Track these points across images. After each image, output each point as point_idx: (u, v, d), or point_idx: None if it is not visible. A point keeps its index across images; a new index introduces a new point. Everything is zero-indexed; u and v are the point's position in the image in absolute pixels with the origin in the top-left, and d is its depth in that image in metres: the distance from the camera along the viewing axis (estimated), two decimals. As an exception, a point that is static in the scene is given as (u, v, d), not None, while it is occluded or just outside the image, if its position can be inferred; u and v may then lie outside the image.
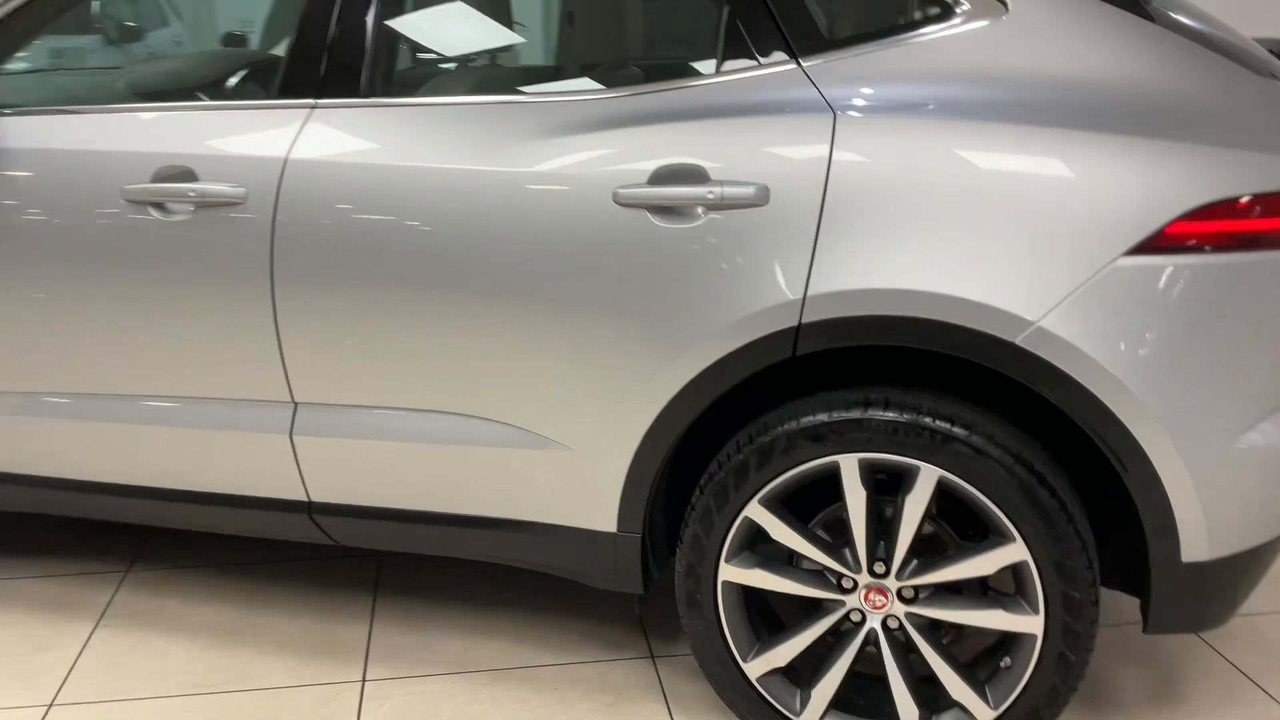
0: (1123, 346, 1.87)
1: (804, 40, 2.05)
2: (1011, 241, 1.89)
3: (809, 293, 1.95)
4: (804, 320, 1.96)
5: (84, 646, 2.62)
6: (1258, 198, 1.86)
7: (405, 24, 2.28)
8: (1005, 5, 2.00)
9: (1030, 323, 1.87)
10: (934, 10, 2.03)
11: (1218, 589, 2.03)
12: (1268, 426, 1.94)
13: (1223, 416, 1.92)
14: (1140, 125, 1.91)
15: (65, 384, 2.45)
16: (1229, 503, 1.95)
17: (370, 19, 2.24)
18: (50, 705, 2.41)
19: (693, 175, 2.00)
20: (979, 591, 2.11)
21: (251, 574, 2.93)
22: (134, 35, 5.58)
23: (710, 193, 1.98)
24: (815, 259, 1.95)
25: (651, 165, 2.02)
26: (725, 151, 2.00)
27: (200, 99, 2.71)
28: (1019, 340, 1.88)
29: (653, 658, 2.57)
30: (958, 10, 2.01)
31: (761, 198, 1.97)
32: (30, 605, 2.80)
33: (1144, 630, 2.08)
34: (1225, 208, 1.86)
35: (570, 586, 2.38)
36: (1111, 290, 1.86)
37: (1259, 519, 1.99)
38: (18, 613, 2.76)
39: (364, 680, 2.50)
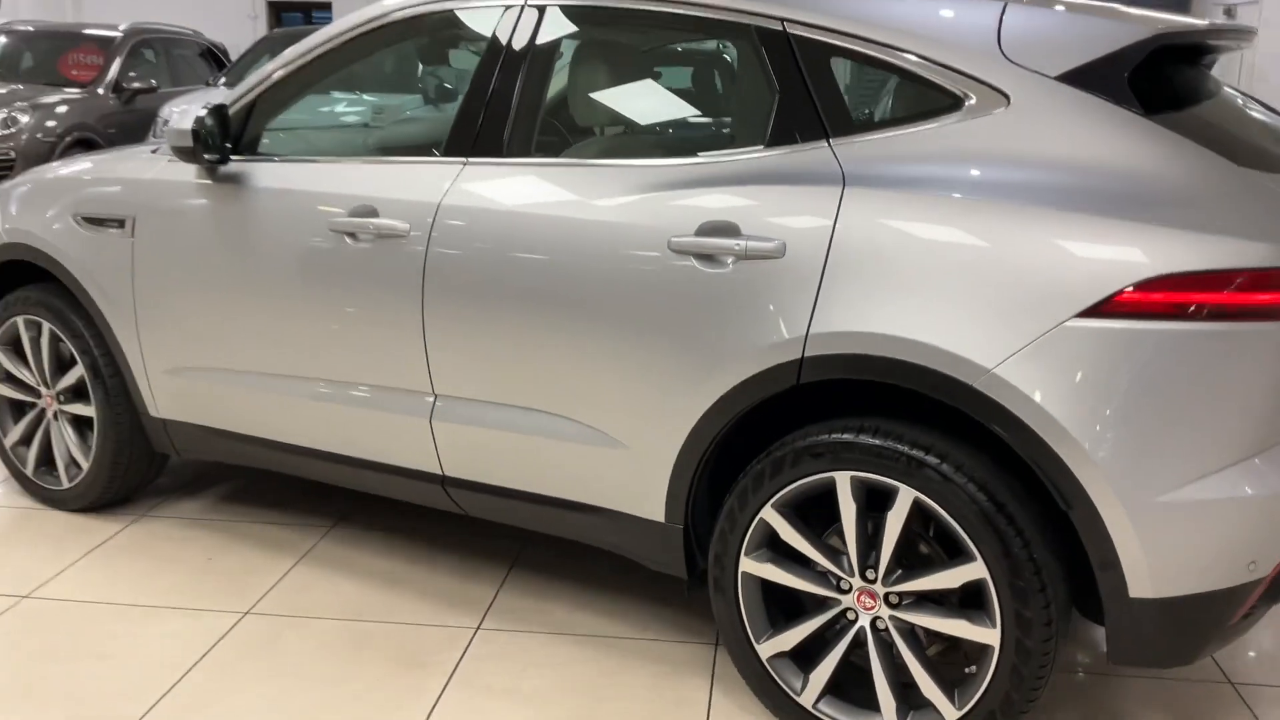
0: (1070, 397, 2.14)
1: (837, 125, 2.46)
2: (979, 299, 2.21)
3: (810, 331, 2.35)
4: (806, 354, 2.36)
5: (283, 576, 3.35)
6: (1205, 274, 2.09)
7: (537, 103, 2.87)
8: (1007, 100, 2.33)
9: (986, 369, 2.19)
10: (946, 102, 2.38)
11: (1170, 628, 2.23)
12: (1210, 483, 2.14)
13: (1164, 469, 2.14)
14: (1107, 206, 2.19)
15: (279, 367, 3.19)
16: (1171, 548, 2.16)
17: (514, 98, 2.85)
18: (246, 613, 3.13)
19: (728, 230, 2.45)
20: (954, 603, 2.39)
21: (421, 539, 3.57)
22: (450, 96, 6.58)
23: (738, 245, 2.42)
24: (817, 304, 2.35)
25: (699, 220, 2.49)
26: (758, 212, 2.44)
27: (412, 155, 3.39)
28: (976, 384, 2.20)
29: (715, 644, 2.98)
30: (965, 104, 2.36)
31: (779, 251, 2.39)
32: (253, 541, 3.57)
33: (1108, 659, 2.31)
34: (1175, 281, 2.10)
35: (669, 578, 2.82)
36: (1062, 347, 2.15)
37: (1206, 566, 2.18)
38: (243, 545, 3.54)
39: (478, 628, 3.06)
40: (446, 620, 3.11)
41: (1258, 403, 2.15)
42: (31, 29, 10.89)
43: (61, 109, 9.24)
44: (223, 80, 10.35)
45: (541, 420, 2.78)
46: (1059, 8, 2.54)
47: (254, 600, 3.20)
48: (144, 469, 3.76)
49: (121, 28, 10.34)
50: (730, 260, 2.45)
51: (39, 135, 8.82)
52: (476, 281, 2.79)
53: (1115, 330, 2.13)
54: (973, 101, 2.36)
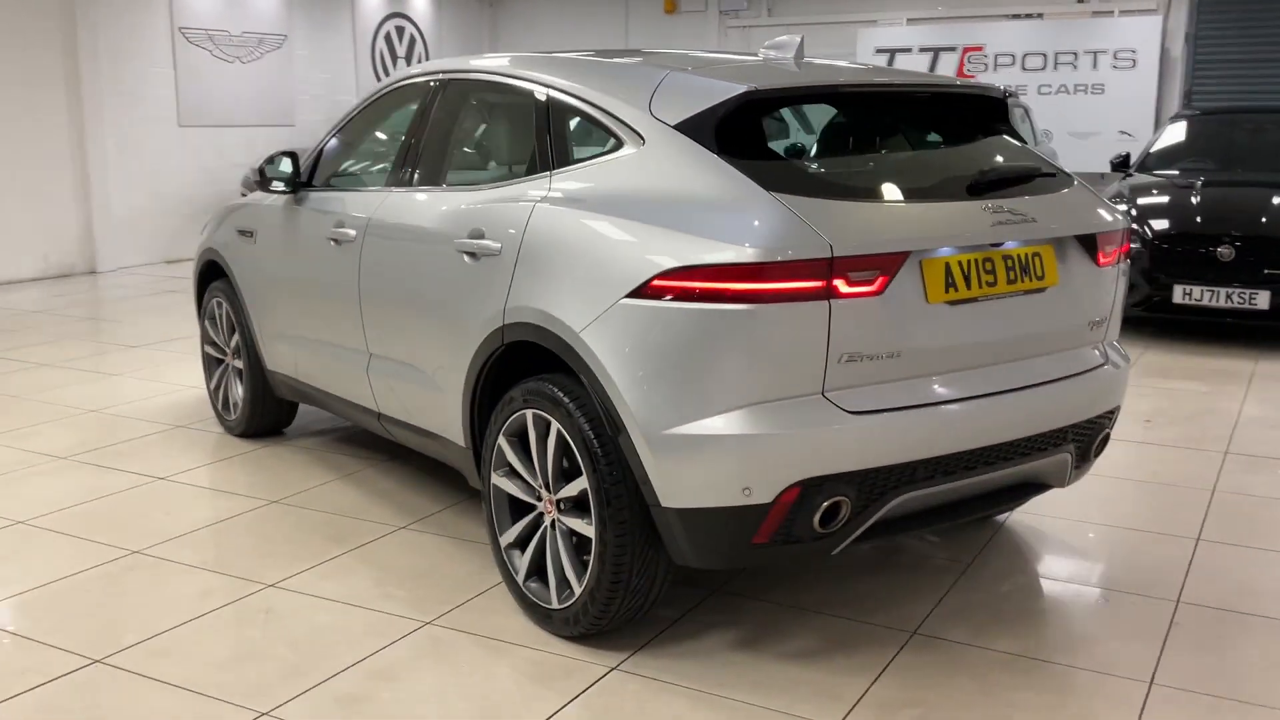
0: (617, 353, 2.97)
1: (558, 161, 3.42)
2: (581, 282, 3.09)
3: (506, 307, 3.32)
4: (505, 323, 3.33)
5: (321, 484, 4.71)
6: (703, 268, 2.83)
7: (424, 149, 4.04)
8: (644, 141, 3.17)
9: (576, 332, 3.05)
10: (615, 143, 3.26)
11: (696, 535, 2.94)
12: (707, 423, 2.85)
13: (673, 410, 2.89)
14: (667, 217, 2.98)
15: (304, 332, 4.58)
16: (679, 469, 2.89)
17: (418, 146, 4.05)
18: (273, 501, 4.52)
19: (479, 234, 3.48)
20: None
21: (425, 476, 4.79)
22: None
23: (480, 244, 3.45)
24: (511, 288, 3.32)
25: (469, 228, 3.54)
26: (495, 222, 3.45)
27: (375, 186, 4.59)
28: (571, 342, 3.07)
29: (544, 555, 3.92)
30: (624, 144, 3.23)
31: (499, 250, 3.39)
32: (325, 464, 4.98)
33: (673, 561, 3.05)
34: (682, 272, 2.86)
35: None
36: (616, 317, 2.97)
37: (706, 486, 2.88)
38: (318, 465, 4.96)
39: (401, 528, 4.22)
40: (387, 521, 4.30)
41: (744, 366, 2.83)
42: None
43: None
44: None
45: (410, 371, 3.93)
46: (698, 74, 3.31)
47: (286, 495, 4.59)
48: (275, 410, 5.30)
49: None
50: (479, 256, 3.48)
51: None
52: (379, 272, 4.00)
53: (647, 307, 2.91)
54: (626, 143, 3.23)
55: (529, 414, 3.31)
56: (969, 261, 3.06)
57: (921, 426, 2.99)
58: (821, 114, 3.65)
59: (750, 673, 3.12)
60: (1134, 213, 7.93)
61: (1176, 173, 8.64)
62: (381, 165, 4.49)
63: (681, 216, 2.97)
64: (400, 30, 15.15)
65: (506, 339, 3.35)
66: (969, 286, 3.06)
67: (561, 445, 3.22)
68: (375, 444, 5.23)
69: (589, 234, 3.13)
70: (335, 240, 4.29)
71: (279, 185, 4.65)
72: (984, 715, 2.91)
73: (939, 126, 3.49)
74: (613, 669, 3.14)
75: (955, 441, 3.05)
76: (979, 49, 13.33)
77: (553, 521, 3.32)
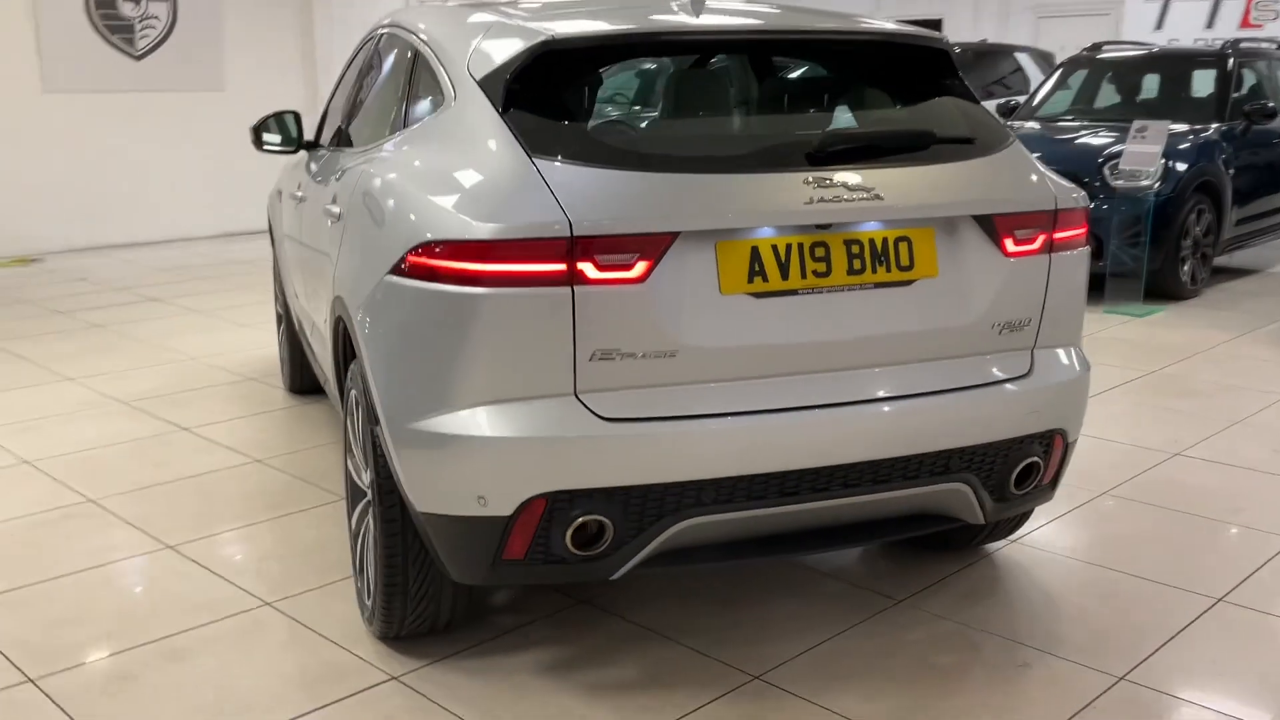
0: (375, 335, 2.70)
1: (409, 121, 3.16)
2: (366, 254, 2.84)
3: (335, 276, 3.11)
4: (333, 295, 3.12)
5: (313, 447, 4.70)
6: (446, 244, 2.49)
7: (350, 116, 3.85)
8: (455, 99, 2.85)
9: (350, 311, 2.80)
10: (441, 102, 2.95)
11: (446, 545, 2.62)
12: (444, 419, 2.51)
13: (414, 402, 2.58)
14: (441, 184, 2.66)
15: (294, 286, 4.56)
16: (418, 470, 2.59)
17: (349, 113, 3.89)
18: (256, 460, 4.55)
19: (334, 200, 3.28)
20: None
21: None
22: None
23: (332, 211, 3.25)
24: (338, 258, 3.10)
25: (333, 193, 3.34)
26: (347, 187, 3.23)
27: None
28: (349, 320, 2.82)
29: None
30: (444, 103, 2.92)
31: (340, 216, 3.17)
32: (332, 425, 4.97)
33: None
34: (425, 249, 2.53)
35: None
36: (381, 296, 2.69)
37: (442, 492, 2.55)
38: (329, 422, 4.96)
39: (342, 500, 4.12)
40: (337, 491, 4.20)
41: (481, 357, 2.45)
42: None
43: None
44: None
45: (317, 339, 3.81)
46: (519, 22, 2.89)
47: (273, 455, 4.62)
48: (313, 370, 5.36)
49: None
50: (334, 221, 3.28)
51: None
52: (304, 229, 3.90)
53: (401, 285, 2.61)
54: (446, 102, 2.91)
55: (352, 396, 3.09)
56: (788, 246, 2.52)
57: (706, 440, 2.51)
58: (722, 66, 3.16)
59: (528, 701, 2.77)
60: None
61: None
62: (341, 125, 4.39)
63: (450, 185, 2.63)
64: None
65: (335, 312, 3.15)
66: (785, 276, 2.53)
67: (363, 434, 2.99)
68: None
69: (379, 204, 2.86)
70: (298, 200, 4.23)
71: (272, 146, 4.62)
72: (733, 792, 2.43)
73: (839, 79, 2.91)
74: (392, 678, 2.88)
75: (758, 461, 2.54)
76: (1271, -8, 11.49)
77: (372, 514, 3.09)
